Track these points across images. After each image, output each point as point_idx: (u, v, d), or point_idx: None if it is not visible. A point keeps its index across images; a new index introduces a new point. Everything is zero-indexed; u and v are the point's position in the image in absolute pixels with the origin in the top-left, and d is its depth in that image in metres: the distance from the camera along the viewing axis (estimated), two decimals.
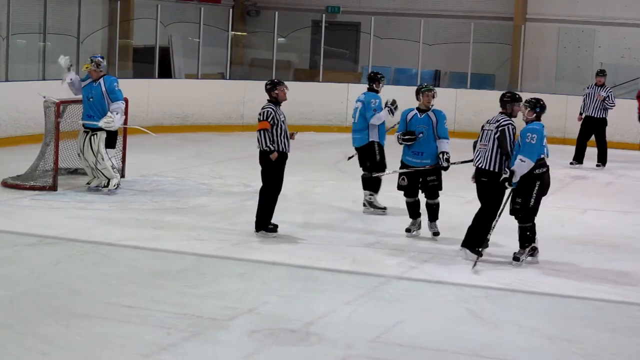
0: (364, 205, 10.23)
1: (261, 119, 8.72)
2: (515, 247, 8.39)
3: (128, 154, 11.72)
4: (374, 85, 10.35)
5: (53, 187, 10.54)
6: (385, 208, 10.12)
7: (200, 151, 14.70)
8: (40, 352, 5.61)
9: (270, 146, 8.67)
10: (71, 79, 10.79)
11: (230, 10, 19.59)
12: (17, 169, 11.00)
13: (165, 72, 18.33)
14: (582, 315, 7.00)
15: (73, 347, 5.71)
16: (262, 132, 8.68)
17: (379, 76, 10.42)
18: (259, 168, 8.90)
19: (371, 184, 10.09)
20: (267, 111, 8.74)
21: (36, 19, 15.62)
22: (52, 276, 7.26)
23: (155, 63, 17.13)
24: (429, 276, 7.79)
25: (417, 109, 9.19)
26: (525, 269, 8.14)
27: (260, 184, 8.93)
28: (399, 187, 9.24)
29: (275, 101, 8.86)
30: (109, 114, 10.51)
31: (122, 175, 11.49)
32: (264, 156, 8.79)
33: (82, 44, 16.27)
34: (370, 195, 10.16)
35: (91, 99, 10.64)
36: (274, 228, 8.86)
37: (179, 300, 6.70)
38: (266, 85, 8.96)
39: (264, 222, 8.84)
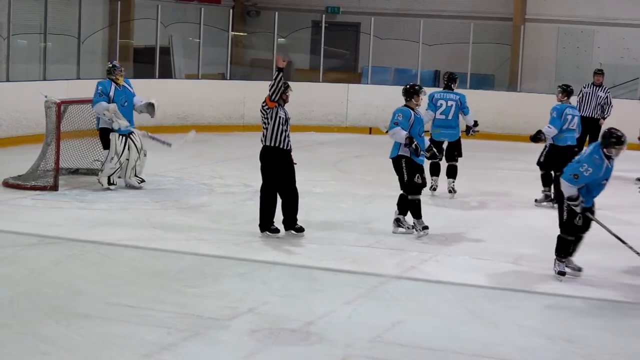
0: (450, 191, 11.47)
1: (265, 100, 8.70)
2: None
3: None
4: (452, 85, 11.66)
5: (54, 187, 10.56)
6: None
7: (200, 151, 14.70)
8: (41, 352, 5.62)
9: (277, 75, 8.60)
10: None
11: (231, 10, 19.60)
12: (18, 169, 11.01)
13: (166, 72, 18.34)
14: (582, 315, 7.00)
15: (73, 347, 5.72)
16: (271, 94, 8.60)
17: (454, 76, 11.79)
18: (260, 168, 8.91)
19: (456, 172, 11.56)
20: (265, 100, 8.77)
21: (37, 20, 15.64)
22: (53, 276, 7.27)
23: (156, 63, 17.14)
24: (429, 276, 7.80)
25: (410, 108, 9.22)
26: (525, 269, 8.15)
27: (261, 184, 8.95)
28: (415, 187, 9.17)
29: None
30: (151, 101, 11.11)
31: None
32: (264, 152, 8.80)
33: (82, 45, 16.30)
34: (454, 181, 11.53)
35: (126, 104, 10.84)
36: (277, 229, 8.86)
37: (179, 300, 6.71)
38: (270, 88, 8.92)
39: (266, 223, 8.86)
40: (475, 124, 11.77)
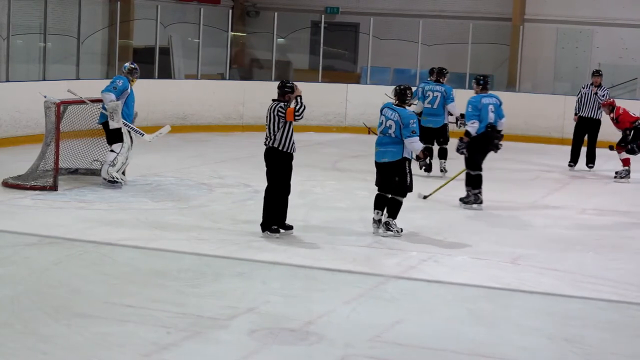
0: (442, 170, 13.03)
1: (283, 111, 8.68)
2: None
3: None
4: (441, 78, 13.19)
5: (54, 187, 10.57)
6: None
7: (200, 151, 14.73)
8: (41, 351, 5.63)
9: (300, 105, 8.69)
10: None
11: (230, 10, 19.62)
12: (18, 169, 11.02)
13: (165, 72, 18.36)
14: (581, 314, 7.01)
15: (73, 347, 5.73)
16: (295, 115, 8.63)
17: (444, 71, 13.28)
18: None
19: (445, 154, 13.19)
20: (283, 104, 8.75)
21: (36, 20, 15.65)
22: (53, 276, 7.29)
23: (155, 63, 17.15)
24: (428, 276, 7.81)
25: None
26: (524, 269, 8.17)
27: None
28: (410, 189, 9.24)
29: (285, 102, 8.89)
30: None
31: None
32: (271, 154, 8.82)
33: (82, 45, 16.31)
34: (445, 161, 13.14)
35: (133, 105, 11.27)
36: (277, 229, 8.88)
37: (179, 300, 6.72)
38: (284, 86, 8.88)
39: (269, 223, 8.87)
40: (463, 116, 12.57)
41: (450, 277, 7.78)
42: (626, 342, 6.41)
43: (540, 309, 7.09)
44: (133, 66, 11.29)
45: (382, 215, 9.20)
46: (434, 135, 13.15)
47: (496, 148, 10.95)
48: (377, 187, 9.25)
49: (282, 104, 8.76)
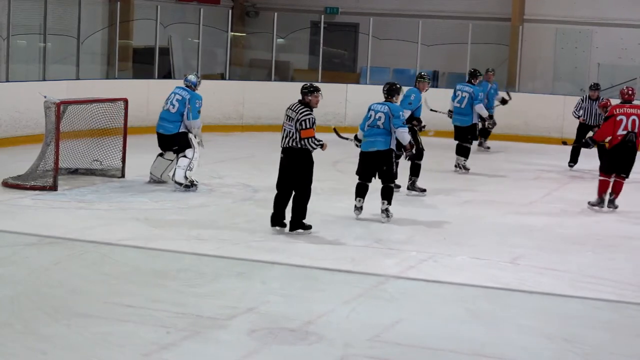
0: (457, 167, 13.44)
1: (307, 126, 8.82)
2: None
3: (128, 154, 11.78)
4: (472, 80, 13.73)
5: (53, 187, 10.57)
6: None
7: (200, 151, 14.71)
8: (41, 351, 5.64)
9: (321, 142, 8.96)
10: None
11: (230, 11, 19.63)
12: (18, 169, 11.03)
13: (165, 72, 18.35)
14: (580, 314, 7.03)
15: (73, 347, 5.74)
16: (308, 139, 8.84)
17: (476, 73, 13.92)
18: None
19: (466, 152, 13.46)
20: (311, 119, 8.87)
21: (36, 20, 15.65)
22: (53, 276, 7.29)
23: (155, 64, 17.16)
24: (428, 275, 7.82)
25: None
26: (523, 269, 8.18)
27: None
28: (395, 176, 10.17)
29: (308, 105, 8.94)
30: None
31: (122, 175, 11.60)
32: (302, 156, 8.90)
33: (82, 45, 16.31)
34: (465, 160, 13.43)
35: None
36: (310, 225, 9.11)
37: (178, 300, 6.73)
38: (303, 88, 9.07)
39: (303, 219, 9.04)
40: (490, 117, 13.43)
41: (449, 277, 7.79)
42: (625, 342, 6.42)
43: (539, 308, 7.11)
44: (199, 80, 11.51)
45: (363, 202, 9.80)
46: (461, 133, 13.42)
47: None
48: (358, 177, 9.87)
49: (306, 118, 8.83)
